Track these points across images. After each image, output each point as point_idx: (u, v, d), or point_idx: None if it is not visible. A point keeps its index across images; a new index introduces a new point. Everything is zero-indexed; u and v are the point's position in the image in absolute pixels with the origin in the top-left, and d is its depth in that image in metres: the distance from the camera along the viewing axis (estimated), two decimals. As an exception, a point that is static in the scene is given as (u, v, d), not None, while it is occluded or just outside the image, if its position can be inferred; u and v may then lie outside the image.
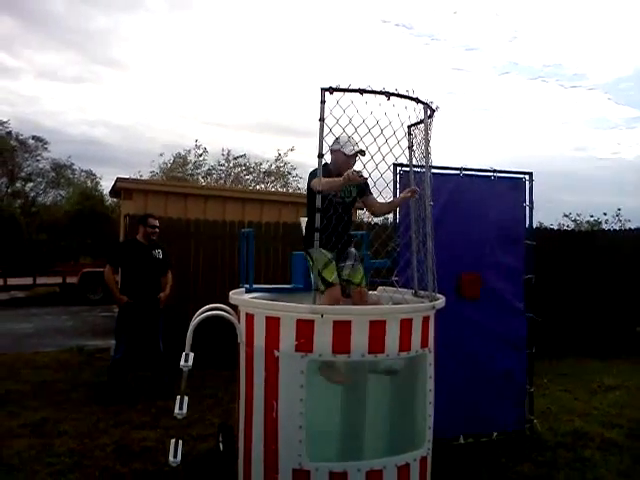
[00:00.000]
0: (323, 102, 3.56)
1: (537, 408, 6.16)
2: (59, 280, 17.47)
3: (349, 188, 4.12)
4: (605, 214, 20.53)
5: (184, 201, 11.70)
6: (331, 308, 3.69)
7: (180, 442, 4.08)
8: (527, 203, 5.76)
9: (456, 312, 5.15)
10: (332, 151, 4.13)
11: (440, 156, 4.84)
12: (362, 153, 3.96)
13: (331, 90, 3.55)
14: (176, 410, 3.99)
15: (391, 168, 4.92)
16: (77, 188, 28.55)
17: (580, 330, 10.36)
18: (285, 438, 3.67)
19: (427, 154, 4.07)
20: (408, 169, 4.44)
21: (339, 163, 4.07)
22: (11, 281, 17.35)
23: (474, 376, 5.32)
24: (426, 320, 3.92)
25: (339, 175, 3.82)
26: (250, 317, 3.91)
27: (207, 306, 4.33)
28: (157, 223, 6.92)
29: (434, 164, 4.55)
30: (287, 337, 3.65)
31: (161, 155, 31.52)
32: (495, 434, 5.51)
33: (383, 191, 4.03)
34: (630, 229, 12.04)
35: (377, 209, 4.32)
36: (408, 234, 4.37)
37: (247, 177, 27.70)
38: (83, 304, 16.36)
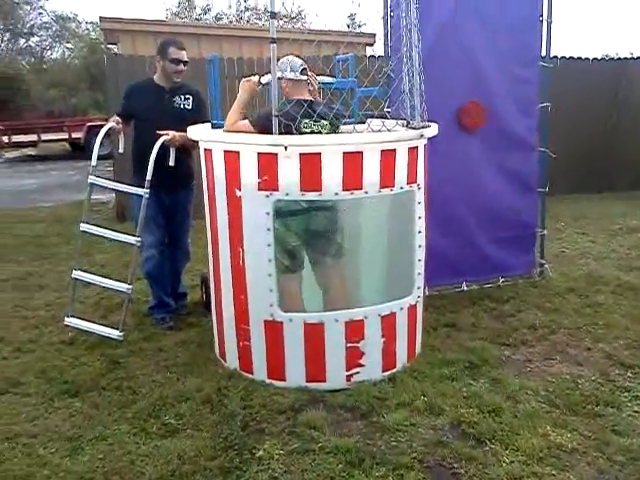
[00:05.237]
0: None
1: (551, 252, 5.77)
2: (65, 136, 16.95)
3: None
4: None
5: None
6: (297, 138, 3.13)
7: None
8: (545, 18, 4.86)
9: (459, 146, 4.58)
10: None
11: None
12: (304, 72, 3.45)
13: None
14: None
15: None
16: (82, 42, 27.13)
17: (605, 169, 9.66)
18: (254, 287, 3.30)
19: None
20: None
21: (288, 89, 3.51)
22: (15, 138, 16.83)
23: (478, 217, 4.80)
24: (413, 152, 3.36)
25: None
26: (208, 153, 3.39)
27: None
28: (184, 56, 4.30)
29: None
30: (249, 174, 3.15)
31: (163, 2, 29.61)
32: (501, 280, 5.09)
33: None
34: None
35: None
36: (398, 56, 3.68)
37: (259, 22, 25.97)
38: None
